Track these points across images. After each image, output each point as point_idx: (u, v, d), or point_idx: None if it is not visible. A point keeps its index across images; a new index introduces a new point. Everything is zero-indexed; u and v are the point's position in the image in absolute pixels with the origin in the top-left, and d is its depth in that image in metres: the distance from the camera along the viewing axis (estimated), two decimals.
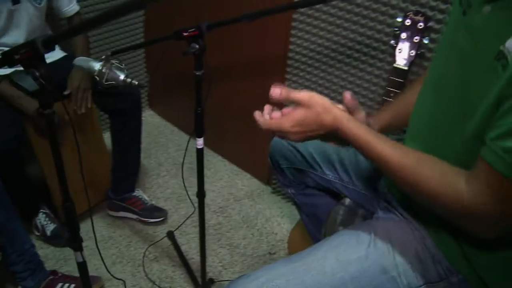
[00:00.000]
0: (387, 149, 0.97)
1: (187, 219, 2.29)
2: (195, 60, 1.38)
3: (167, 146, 2.94)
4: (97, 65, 1.64)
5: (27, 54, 0.90)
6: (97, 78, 1.64)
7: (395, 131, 1.57)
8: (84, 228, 2.28)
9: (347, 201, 1.45)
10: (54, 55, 2.22)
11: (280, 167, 1.56)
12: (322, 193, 1.51)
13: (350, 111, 1.16)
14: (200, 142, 1.54)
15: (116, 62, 1.64)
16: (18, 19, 2.00)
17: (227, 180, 2.69)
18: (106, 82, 1.63)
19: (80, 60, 1.70)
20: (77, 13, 2.21)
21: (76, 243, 1.22)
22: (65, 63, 2.17)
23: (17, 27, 2.02)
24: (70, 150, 2.10)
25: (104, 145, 2.35)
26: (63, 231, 2.25)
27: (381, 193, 1.28)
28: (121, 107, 2.16)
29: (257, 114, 1.06)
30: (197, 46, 1.36)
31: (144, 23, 2.91)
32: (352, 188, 1.41)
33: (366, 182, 1.40)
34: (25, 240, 1.93)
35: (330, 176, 1.43)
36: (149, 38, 2.91)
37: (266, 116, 1.05)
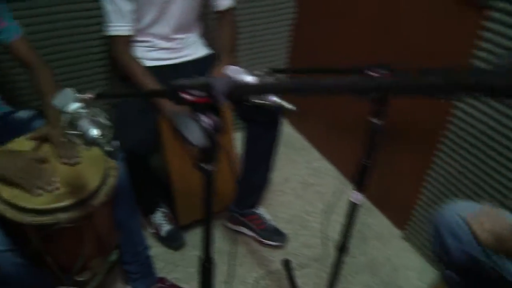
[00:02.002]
0: None
1: (315, 262, 2.08)
2: (376, 106, 1.15)
3: (296, 161, 2.76)
4: (249, 79, 1.48)
5: (204, 99, 0.72)
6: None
7: None
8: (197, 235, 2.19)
9: None
10: (197, 52, 2.11)
11: (445, 245, 1.30)
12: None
13: None
14: (358, 197, 1.32)
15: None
16: (170, 10, 1.93)
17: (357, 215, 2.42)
18: (255, 100, 1.47)
19: (233, 70, 1.55)
20: (232, 9, 2.08)
21: None
22: (207, 63, 2.06)
23: (167, 18, 1.96)
24: None
25: (235, 152, 2.19)
26: (178, 234, 2.16)
27: None
28: (261, 119, 2.00)
29: None
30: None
31: (290, 47, 2.78)
32: None
33: None
34: (140, 242, 1.87)
35: None
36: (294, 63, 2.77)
37: None
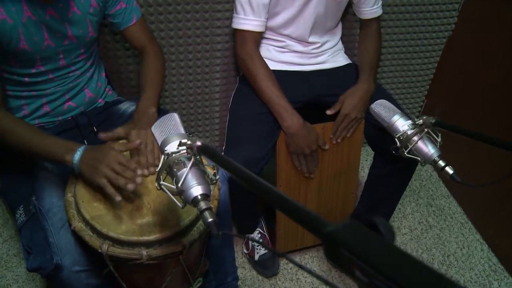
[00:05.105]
0: None
1: None
2: None
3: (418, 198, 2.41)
4: (405, 125, 1.17)
5: None
6: (397, 142, 1.19)
7: None
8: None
9: None
10: (334, 60, 1.81)
11: None
12: None
13: None
14: None
15: (432, 134, 1.16)
16: (310, 9, 1.63)
17: (479, 274, 2.03)
18: (407, 152, 1.16)
19: (381, 105, 1.26)
20: (377, 18, 1.76)
21: None
22: (345, 74, 1.77)
23: (306, 19, 1.65)
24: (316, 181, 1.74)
25: (356, 182, 1.89)
26: (273, 260, 1.91)
27: None
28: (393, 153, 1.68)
29: None
30: None
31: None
32: None
33: None
34: (232, 272, 1.64)
35: None
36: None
37: None
